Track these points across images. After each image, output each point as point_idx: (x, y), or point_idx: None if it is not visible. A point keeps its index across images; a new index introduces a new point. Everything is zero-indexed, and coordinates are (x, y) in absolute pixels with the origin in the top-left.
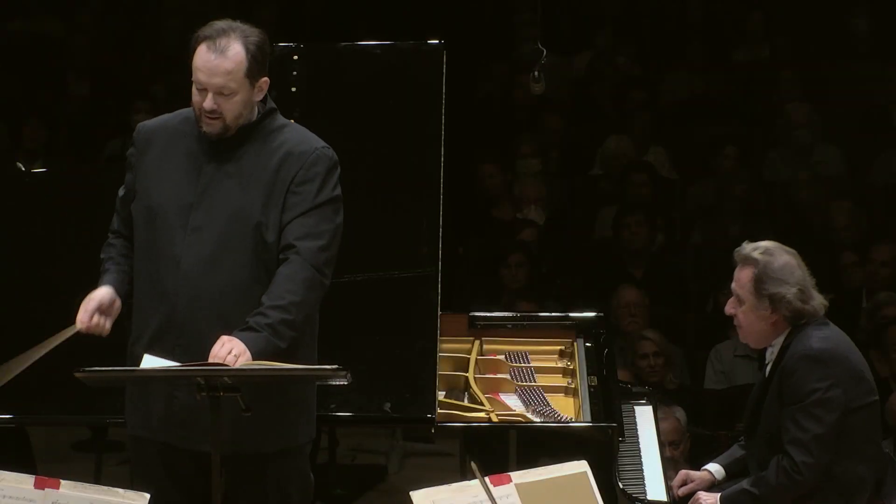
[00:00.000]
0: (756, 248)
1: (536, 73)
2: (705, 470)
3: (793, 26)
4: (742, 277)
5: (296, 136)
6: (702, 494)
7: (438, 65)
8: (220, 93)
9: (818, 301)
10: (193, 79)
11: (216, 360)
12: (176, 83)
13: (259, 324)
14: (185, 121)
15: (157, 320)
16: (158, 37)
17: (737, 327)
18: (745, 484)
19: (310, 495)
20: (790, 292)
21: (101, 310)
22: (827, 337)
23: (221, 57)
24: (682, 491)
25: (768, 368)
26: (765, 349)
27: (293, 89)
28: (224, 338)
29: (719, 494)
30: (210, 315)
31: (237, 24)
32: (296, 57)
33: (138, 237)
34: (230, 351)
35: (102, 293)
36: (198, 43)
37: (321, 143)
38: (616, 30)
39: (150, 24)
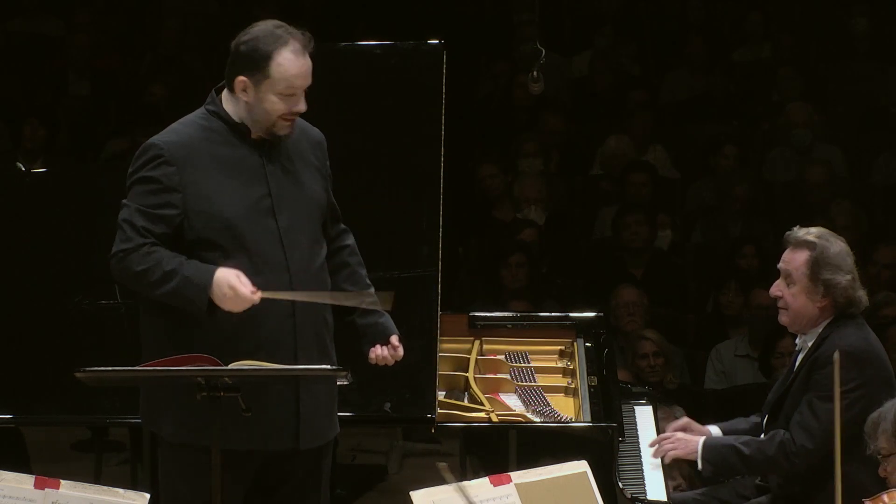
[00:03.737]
0: (810, 233)
1: (535, 72)
2: (707, 428)
3: (793, 26)
4: (796, 259)
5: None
6: (682, 435)
7: (438, 65)
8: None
9: (864, 293)
10: (283, 87)
11: None
12: (176, 83)
13: None
14: (206, 129)
15: (268, 331)
16: (158, 37)
17: (780, 309)
18: (734, 441)
19: None
20: (845, 279)
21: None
22: (866, 338)
23: (307, 58)
24: (672, 427)
25: (800, 357)
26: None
27: None
28: None
29: (702, 438)
30: (323, 310)
31: (281, 23)
32: None
33: (213, 252)
34: None
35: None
36: (276, 50)
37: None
38: (616, 30)
39: (150, 24)
